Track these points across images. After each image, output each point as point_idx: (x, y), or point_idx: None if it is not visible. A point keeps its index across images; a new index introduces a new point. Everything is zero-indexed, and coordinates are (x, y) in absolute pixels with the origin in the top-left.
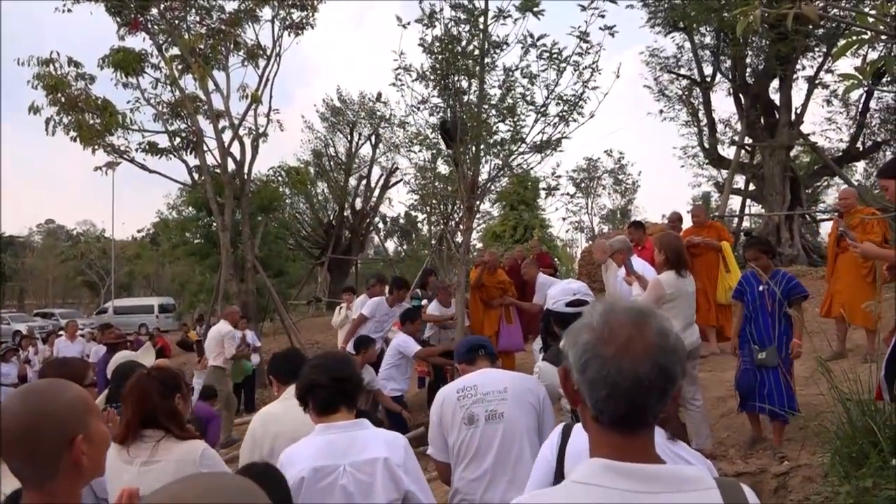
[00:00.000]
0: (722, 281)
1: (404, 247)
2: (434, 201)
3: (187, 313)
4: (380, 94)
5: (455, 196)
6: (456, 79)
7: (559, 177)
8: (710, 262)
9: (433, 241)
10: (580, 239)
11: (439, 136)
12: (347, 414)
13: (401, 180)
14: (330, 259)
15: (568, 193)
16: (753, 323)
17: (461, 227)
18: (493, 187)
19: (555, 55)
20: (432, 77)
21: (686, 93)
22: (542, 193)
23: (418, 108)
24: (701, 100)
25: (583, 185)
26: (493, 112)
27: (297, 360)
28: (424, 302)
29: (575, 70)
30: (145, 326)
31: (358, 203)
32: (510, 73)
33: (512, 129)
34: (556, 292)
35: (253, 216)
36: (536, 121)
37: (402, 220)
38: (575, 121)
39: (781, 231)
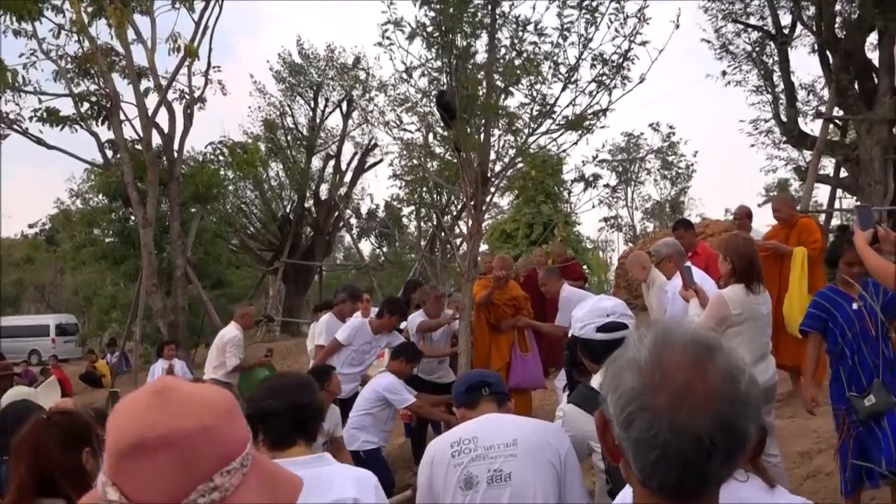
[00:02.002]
0: (799, 300)
1: (384, 250)
2: (425, 189)
3: (94, 336)
4: (357, 60)
5: (454, 185)
6: (460, 36)
7: (602, 161)
8: (771, 275)
9: (423, 243)
10: (617, 240)
11: (435, 109)
12: (306, 449)
13: (380, 161)
14: (286, 265)
15: (608, 185)
16: (851, 358)
17: (466, 232)
18: (506, 175)
19: (585, 4)
20: (430, 34)
21: (757, 49)
22: (569, 181)
23: (410, 76)
24: (776, 59)
25: (620, 169)
26: (507, 75)
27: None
28: (404, 325)
29: (615, 19)
30: (37, 354)
31: (324, 191)
32: (522, 28)
33: (531, 97)
34: (584, 313)
35: (185, 207)
36: (565, 87)
37: (381, 215)
38: (619, 87)
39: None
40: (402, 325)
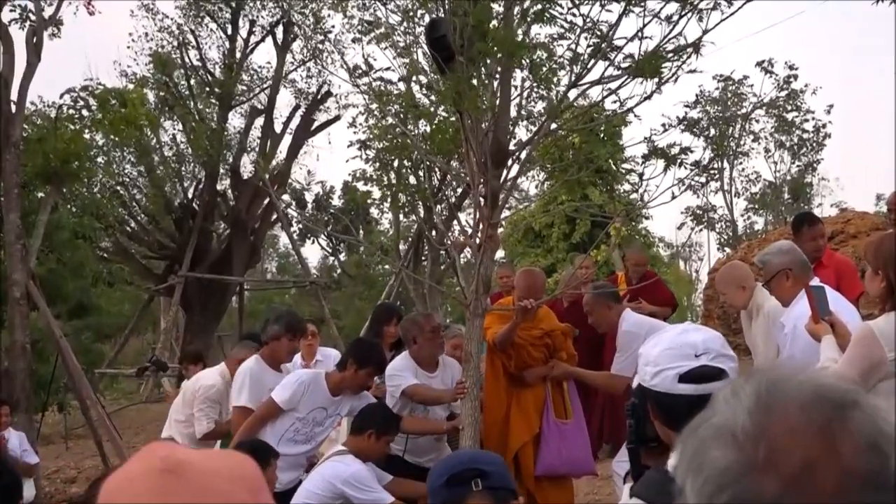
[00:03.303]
0: None
1: (341, 257)
2: (407, 164)
3: None
4: None
5: (453, 161)
6: None
7: (689, 124)
8: None
9: (403, 248)
10: (707, 244)
11: (425, 45)
12: None
13: (336, 120)
14: (187, 281)
15: (698, 163)
16: None
17: (471, 232)
18: (535, 146)
19: None
20: None
21: None
22: (634, 156)
23: None
24: None
25: (712, 133)
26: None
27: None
28: (381, 381)
29: None
30: None
31: (247, 166)
32: None
33: (574, 26)
34: (658, 352)
35: (29, 191)
36: (628, 9)
37: (338, 204)
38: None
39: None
40: (377, 381)
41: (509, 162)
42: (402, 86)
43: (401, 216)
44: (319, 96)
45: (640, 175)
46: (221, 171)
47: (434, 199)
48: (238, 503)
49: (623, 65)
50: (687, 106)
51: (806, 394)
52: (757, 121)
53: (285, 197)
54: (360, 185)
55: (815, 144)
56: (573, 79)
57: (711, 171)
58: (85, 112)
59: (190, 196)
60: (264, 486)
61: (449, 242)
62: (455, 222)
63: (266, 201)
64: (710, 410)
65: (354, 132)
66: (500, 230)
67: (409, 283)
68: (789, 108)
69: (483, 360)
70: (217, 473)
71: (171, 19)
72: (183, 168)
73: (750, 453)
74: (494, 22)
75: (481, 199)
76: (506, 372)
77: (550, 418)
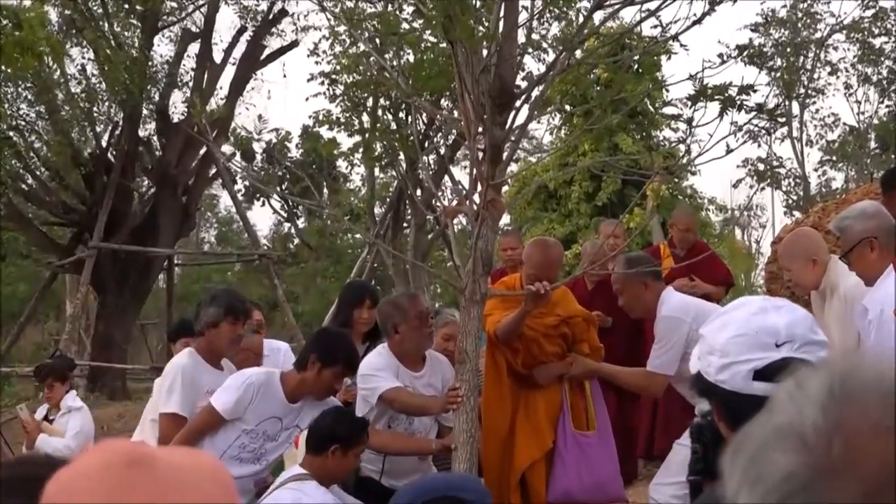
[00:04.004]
0: None
1: (299, 223)
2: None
3: None
4: None
5: (444, 103)
6: None
7: (751, 54)
8: None
9: (379, 212)
10: (771, 206)
11: None
12: None
13: (293, 46)
14: (100, 254)
15: (760, 107)
16: None
17: (466, 195)
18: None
19: None
20: None
21: None
22: (676, 98)
23: None
24: None
25: (774, 62)
26: None
27: None
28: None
29: None
30: None
31: (177, 106)
32: None
33: None
34: (726, 338)
35: None
36: None
37: (294, 156)
38: None
39: None
40: (347, 382)
41: (516, 104)
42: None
43: (376, 171)
44: (271, 16)
45: (689, 121)
46: (144, 112)
47: (419, 148)
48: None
49: None
50: (753, 29)
51: (888, 385)
52: (835, 48)
53: (227, 146)
54: (324, 131)
55: None
56: None
57: (778, 116)
58: None
59: (104, 144)
60: (235, 488)
61: (438, 206)
62: (446, 178)
63: (203, 151)
64: (769, 410)
65: (317, 62)
66: (505, 190)
67: (386, 257)
68: (876, 31)
69: (482, 355)
70: (188, 469)
71: None
72: (95, 108)
73: (822, 455)
74: None
75: (479, 154)
76: (511, 371)
77: (568, 430)
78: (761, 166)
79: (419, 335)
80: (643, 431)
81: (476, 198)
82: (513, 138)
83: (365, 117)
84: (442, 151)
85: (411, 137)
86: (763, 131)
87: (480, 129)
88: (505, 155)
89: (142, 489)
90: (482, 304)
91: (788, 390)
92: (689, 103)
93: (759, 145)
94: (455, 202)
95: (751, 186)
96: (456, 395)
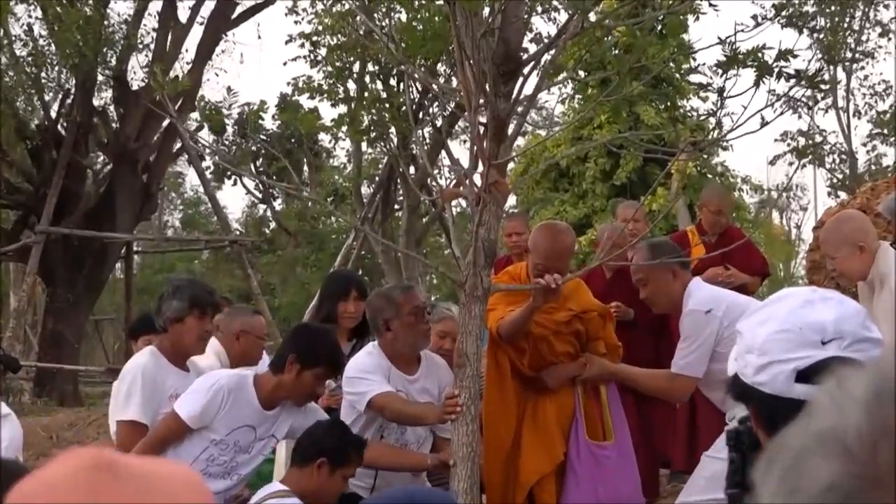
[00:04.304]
0: None
1: (277, 204)
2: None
3: None
4: None
5: (440, 71)
6: None
7: (793, 17)
8: None
9: (367, 193)
10: (813, 185)
11: None
12: None
13: (270, 3)
14: (48, 240)
15: (808, 77)
16: None
17: (466, 173)
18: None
19: None
20: None
21: None
22: (705, 64)
23: None
24: None
25: (816, 22)
26: None
27: None
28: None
29: None
30: None
31: (137, 72)
32: None
33: None
34: (767, 334)
35: None
36: None
37: (271, 128)
38: None
39: None
40: (331, 385)
41: (523, 72)
42: None
43: (364, 145)
44: None
45: (719, 91)
46: (100, 78)
47: (413, 120)
48: None
49: None
50: None
51: None
52: (886, 6)
53: (193, 117)
54: (305, 101)
55: None
56: None
57: (821, 83)
58: None
59: (53, 115)
60: (212, 499)
61: (434, 187)
62: (444, 154)
63: (166, 123)
64: (809, 415)
65: (296, 22)
66: (511, 168)
67: (375, 245)
68: None
69: (483, 356)
70: (161, 476)
71: None
72: (43, 74)
73: (866, 463)
74: None
75: (480, 129)
76: (516, 373)
77: (581, 440)
78: (802, 141)
79: (414, 333)
80: (680, 441)
81: (477, 179)
82: (519, 111)
83: (351, 84)
84: (438, 122)
85: (403, 107)
86: (803, 103)
87: (482, 101)
88: (510, 130)
89: (110, 495)
90: (484, 301)
91: (830, 391)
92: (720, 71)
93: (800, 116)
94: (453, 182)
95: (790, 164)
96: (455, 403)
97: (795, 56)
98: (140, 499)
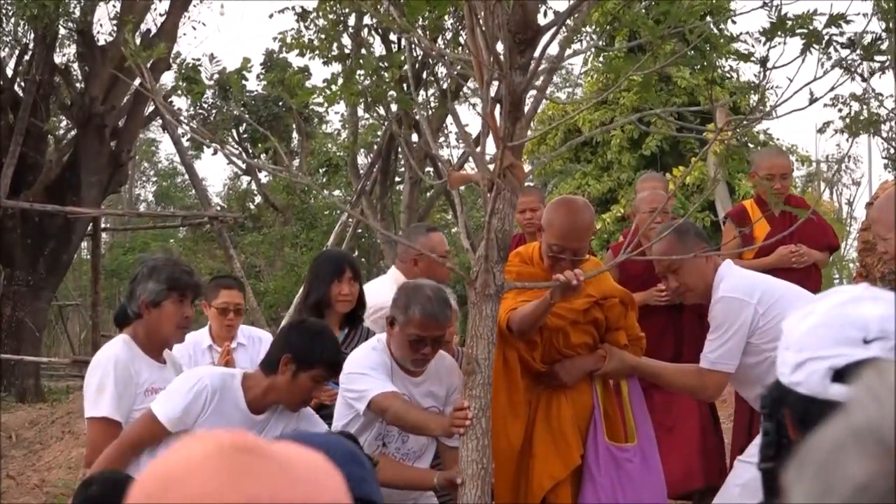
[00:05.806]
0: None
1: (263, 177)
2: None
3: None
4: None
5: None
6: None
7: None
8: None
9: (363, 166)
10: (869, 158)
11: None
12: None
13: None
14: (5, 215)
15: (863, 46)
16: None
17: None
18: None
19: None
20: None
21: None
22: (748, 32)
23: None
24: None
25: None
26: None
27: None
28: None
29: None
30: None
31: (104, 25)
32: None
33: None
34: (806, 329)
35: None
36: None
37: (256, 90)
38: None
39: None
40: (331, 386)
41: (542, 41)
42: None
43: (360, 110)
44: None
45: (762, 62)
46: (62, 32)
47: (416, 82)
48: (332, 502)
49: None
50: None
51: None
52: None
53: (167, 78)
54: (293, 58)
55: None
56: None
57: (878, 53)
58: None
59: (9, 74)
60: (344, 483)
61: (440, 164)
62: (450, 121)
63: (137, 82)
64: (845, 412)
65: None
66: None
67: (374, 226)
68: None
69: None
70: (300, 457)
71: None
72: None
73: None
74: None
75: (496, 105)
76: (526, 369)
77: (600, 442)
78: (855, 106)
79: (404, 353)
80: (737, 438)
81: (488, 163)
82: (537, 85)
83: (346, 39)
84: (445, 85)
85: (405, 66)
86: (859, 73)
87: (497, 75)
88: (527, 108)
89: (257, 474)
90: (497, 300)
91: (868, 383)
92: (763, 39)
93: (853, 79)
94: (461, 154)
95: (841, 132)
96: (464, 416)
97: (849, 22)
98: (285, 478)
